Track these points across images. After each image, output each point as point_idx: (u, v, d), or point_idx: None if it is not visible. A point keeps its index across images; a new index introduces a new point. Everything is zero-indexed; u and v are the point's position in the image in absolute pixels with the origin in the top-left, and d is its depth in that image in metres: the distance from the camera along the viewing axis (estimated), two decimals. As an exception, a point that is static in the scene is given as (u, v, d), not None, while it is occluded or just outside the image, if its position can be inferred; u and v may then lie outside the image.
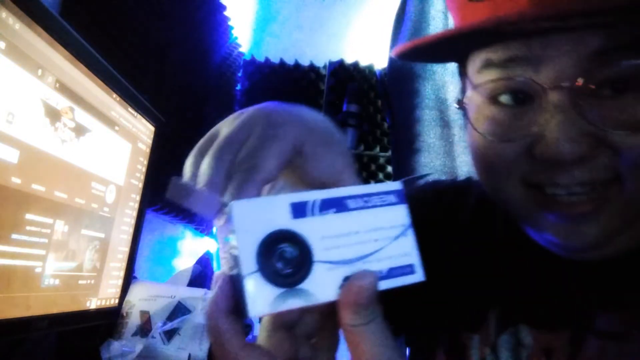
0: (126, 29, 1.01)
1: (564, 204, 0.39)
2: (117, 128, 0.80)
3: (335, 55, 1.86)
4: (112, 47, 0.93)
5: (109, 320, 0.87)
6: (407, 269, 0.30)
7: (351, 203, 0.29)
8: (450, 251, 0.54)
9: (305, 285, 0.27)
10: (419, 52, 0.44)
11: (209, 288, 1.04)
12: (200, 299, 0.90)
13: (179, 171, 0.33)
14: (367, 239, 0.29)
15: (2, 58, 0.53)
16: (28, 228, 0.60)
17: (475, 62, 0.42)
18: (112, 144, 0.79)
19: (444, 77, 1.71)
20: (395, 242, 0.30)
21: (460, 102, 0.45)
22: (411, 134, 1.70)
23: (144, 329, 0.87)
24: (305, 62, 1.87)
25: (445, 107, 1.70)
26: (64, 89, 0.64)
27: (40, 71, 0.59)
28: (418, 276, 0.30)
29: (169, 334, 0.86)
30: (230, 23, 1.64)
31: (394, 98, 1.78)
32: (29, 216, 0.60)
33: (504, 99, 0.40)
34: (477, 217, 0.55)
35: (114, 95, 0.79)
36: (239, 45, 1.78)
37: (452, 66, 1.96)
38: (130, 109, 0.85)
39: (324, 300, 0.28)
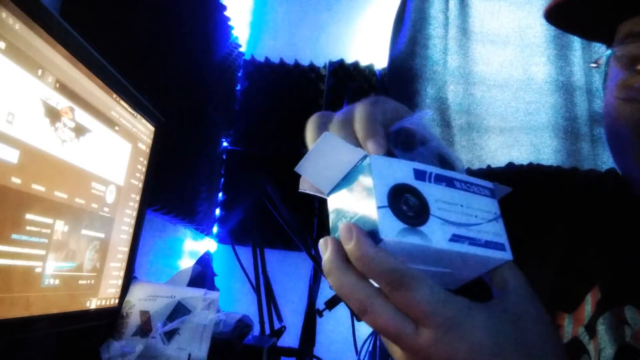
0: (126, 29, 1.01)
1: None
2: (117, 128, 0.80)
3: (335, 55, 1.86)
4: (112, 47, 0.93)
5: (109, 320, 0.86)
6: (500, 246, 0.36)
7: (457, 184, 0.36)
8: (557, 233, 0.57)
9: (424, 229, 0.33)
10: (568, 9, 0.49)
11: (209, 288, 1.04)
12: (200, 299, 0.90)
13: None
14: (469, 213, 0.35)
15: (2, 58, 0.53)
16: (28, 228, 0.60)
17: (618, 34, 0.47)
18: (112, 144, 0.79)
19: (444, 77, 1.71)
20: (489, 223, 0.36)
21: (598, 64, 0.51)
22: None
23: (144, 329, 0.87)
24: (305, 62, 1.87)
25: (445, 107, 1.70)
26: (64, 89, 0.64)
27: (40, 71, 0.59)
28: (508, 254, 0.36)
29: (169, 334, 0.86)
30: (230, 23, 1.64)
31: (394, 98, 1.78)
32: (29, 216, 0.60)
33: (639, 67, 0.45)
34: (585, 201, 0.57)
35: (114, 95, 0.79)
36: (239, 45, 1.78)
37: (452, 66, 1.95)
38: (130, 109, 0.85)
39: (437, 245, 0.33)
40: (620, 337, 0.48)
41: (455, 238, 0.34)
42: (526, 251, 0.58)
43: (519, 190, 0.60)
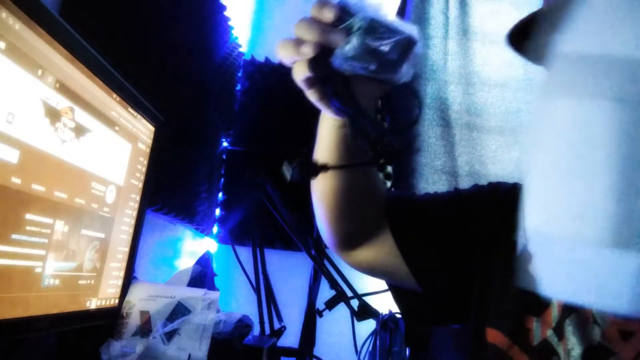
0: (126, 29, 1.01)
1: None
2: (117, 128, 0.80)
3: (335, 55, 1.86)
4: (112, 47, 0.93)
5: (109, 320, 0.86)
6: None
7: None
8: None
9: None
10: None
11: (209, 288, 1.04)
12: (200, 299, 0.90)
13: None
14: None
15: (2, 58, 0.53)
16: (28, 228, 0.60)
17: None
18: (112, 144, 0.79)
19: (444, 77, 1.71)
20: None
21: None
22: (411, 134, 1.70)
23: (144, 329, 0.87)
24: (305, 62, 1.87)
25: (445, 107, 1.70)
26: (64, 89, 0.64)
27: (40, 71, 0.59)
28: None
29: (169, 334, 0.86)
30: (230, 23, 1.64)
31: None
32: (29, 216, 0.60)
33: None
34: None
35: (114, 95, 0.79)
36: (239, 45, 1.78)
37: (452, 66, 1.94)
38: (130, 109, 0.85)
39: None
40: (587, 337, 0.49)
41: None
42: (492, 263, 0.59)
43: (485, 207, 0.62)
